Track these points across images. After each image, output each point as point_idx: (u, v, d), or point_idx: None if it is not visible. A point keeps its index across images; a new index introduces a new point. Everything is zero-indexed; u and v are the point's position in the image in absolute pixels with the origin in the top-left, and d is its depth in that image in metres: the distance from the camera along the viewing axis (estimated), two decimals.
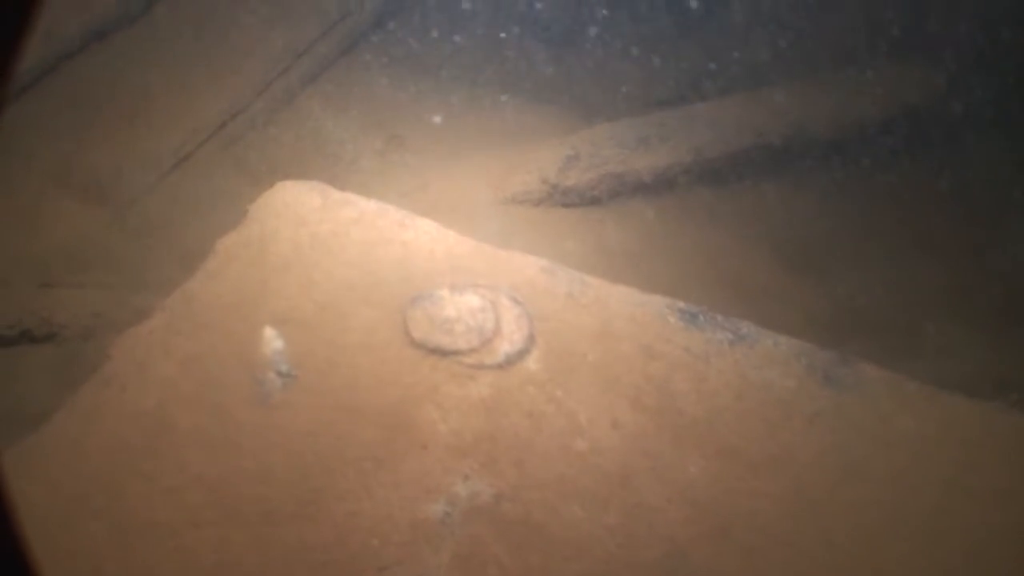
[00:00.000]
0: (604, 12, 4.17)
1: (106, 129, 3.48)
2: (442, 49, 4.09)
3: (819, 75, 3.96)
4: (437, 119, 3.65)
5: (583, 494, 2.03)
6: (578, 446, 2.12)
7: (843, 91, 3.87)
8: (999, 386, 2.69)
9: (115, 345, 2.25)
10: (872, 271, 3.31)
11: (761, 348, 2.35)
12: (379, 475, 2.04)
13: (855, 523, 2.01)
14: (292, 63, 3.78)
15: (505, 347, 2.29)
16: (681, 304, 2.44)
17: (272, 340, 2.25)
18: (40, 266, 3.11)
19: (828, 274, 3.29)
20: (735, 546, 1.97)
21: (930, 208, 3.58)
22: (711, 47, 4.17)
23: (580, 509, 2.01)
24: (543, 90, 3.99)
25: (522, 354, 2.29)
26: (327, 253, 2.48)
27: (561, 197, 3.51)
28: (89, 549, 1.89)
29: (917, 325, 3.10)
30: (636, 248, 3.34)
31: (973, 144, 3.73)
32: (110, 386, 2.16)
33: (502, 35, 4.00)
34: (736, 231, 3.44)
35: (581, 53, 4.16)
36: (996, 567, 1.94)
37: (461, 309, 2.35)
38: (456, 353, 2.26)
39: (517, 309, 2.38)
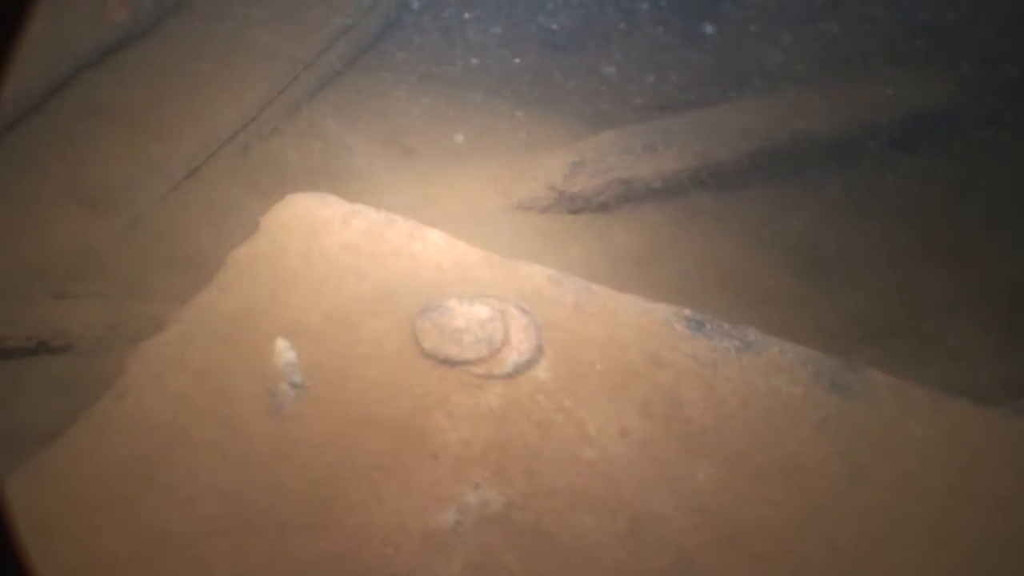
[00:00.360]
0: (621, 26, 4.20)
1: (118, 141, 3.52)
2: (455, 62, 4.12)
3: (828, 80, 3.98)
4: (459, 137, 3.68)
5: (592, 502, 2.06)
6: (587, 455, 2.15)
7: (853, 96, 3.88)
8: (1011, 391, 2.70)
9: (131, 358, 2.29)
10: (882, 277, 3.32)
11: (768, 355, 2.37)
12: (390, 485, 2.07)
13: (861, 529, 2.03)
14: (301, 74, 3.82)
15: (514, 357, 2.32)
16: (688, 312, 2.47)
17: (284, 352, 2.28)
18: (53, 277, 3.14)
19: (837, 280, 3.30)
20: (743, 553, 2.00)
21: (941, 214, 3.59)
22: (719, 54, 4.19)
23: (590, 517, 2.03)
24: (552, 100, 4.01)
25: (531, 363, 2.31)
26: (337, 265, 2.52)
27: (568, 204, 3.53)
28: (107, 560, 1.93)
29: (927, 331, 3.11)
30: (643, 254, 3.36)
31: (985, 149, 3.73)
32: (126, 398, 2.20)
33: (516, 60, 4.04)
34: (744, 237, 3.46)
35: (592, 64, 4.18)
36: (1002, 573, 1.96)
37: (470, 319, 2.37)
38: (465, 363, 2.29)
39: (525, 319, 2.40)
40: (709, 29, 4.20)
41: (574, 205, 3.51)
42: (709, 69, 4.15)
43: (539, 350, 2.34)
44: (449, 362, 2.29)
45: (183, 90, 3.68)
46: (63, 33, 3.47)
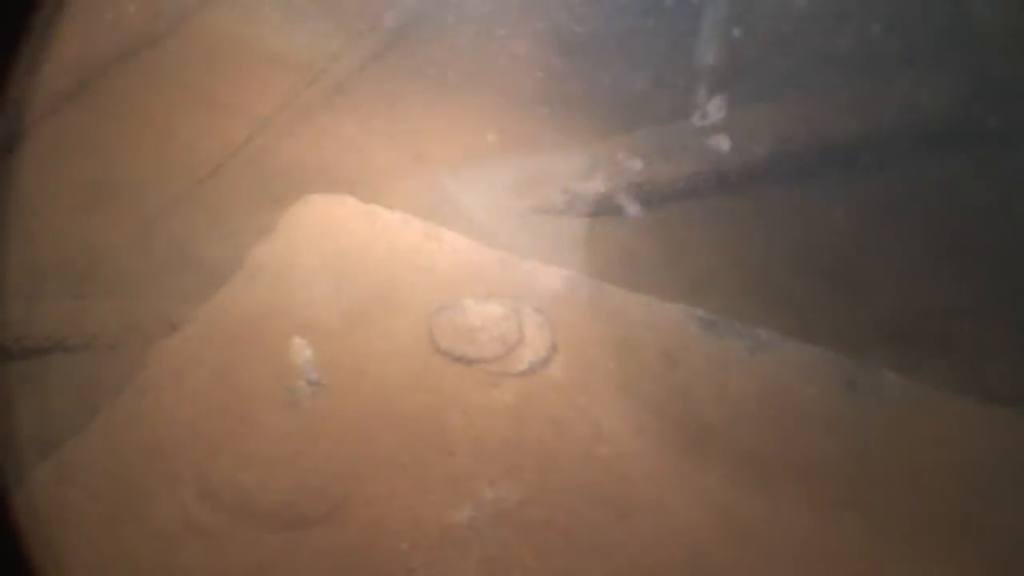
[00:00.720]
0: (650, 23, 4.20)
1: (134, 144, 3.55)
2: (473, 66, 4.14)
3: (846, 81, 3.97)
4: (476, 140, 3.70)
5: (606, 499, 2.07)
6: (601, 452, 2.16)
7: (881, 98, 3.88)
8: None
9: (150, 355, 2.32)
10: (901, 279, 3.31)
11: (781, 356, 2.38)
12: (406, 480, 2.08)
13: (873, 527, 2.04)
14: (318, 77, 3.85)
15: (528, 355, 2.34)
16: (701, 312, 2.49)
17: (301, 349, 2.30)
18: (69, 277, 3.17)
19: (856, 282, 3.29)
20: (756, 550, 2.01)
21: (961, 215, 3.57)
22: (747, 57, 4.18)
23: (603, 513, 2.05)
24: (571, 104, 4.02)
25: (545, 362, 2.33)
26: (353, 264, 2.54)
27: (583, 206, 3.55)
28: (128, 553, 1.95)
29: (947, 333, 3.10)
30: (659, 257, 3.37)
31: (1005, 150, 3.71)
32: (146, 395, 2.22)
33: (535, 64, 4.06)
34: (760, 239, 3.45)
35: (613, 68, 4.19)
36: (1015, 571, 1.96)
37: (485, 318, 2.40)
38: (481, 361, 2.31)
39: (540, 318, 2.42)
40: (737, 33, 4.20)
41: (589, 208, 3.53)
42: (734, 71, 4.15)
43: (553, 349, 2.36)
44: (465, 360, 2.31)
45: (200, 93, 3.71)
46: (81, 36, 3.51)
